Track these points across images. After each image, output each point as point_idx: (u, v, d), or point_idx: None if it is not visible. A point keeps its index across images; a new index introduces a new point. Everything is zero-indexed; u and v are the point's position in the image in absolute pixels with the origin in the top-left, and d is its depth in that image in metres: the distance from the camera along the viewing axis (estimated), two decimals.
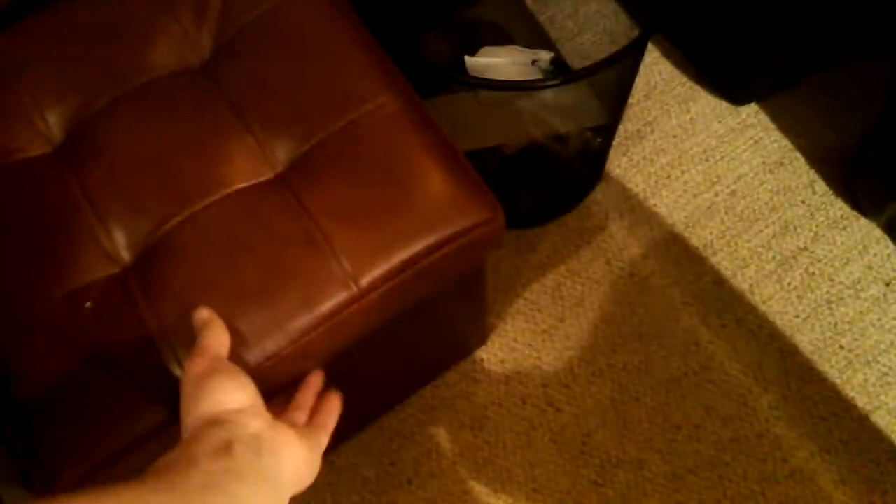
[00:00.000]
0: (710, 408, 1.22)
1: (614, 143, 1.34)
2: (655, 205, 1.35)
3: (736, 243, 1.32)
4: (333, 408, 0.69)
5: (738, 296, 1.29)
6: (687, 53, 1.45)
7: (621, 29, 1.37)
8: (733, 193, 1.36)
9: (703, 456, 1.19)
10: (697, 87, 1.43)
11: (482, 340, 1.24)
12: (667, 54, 1.46)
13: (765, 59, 1.33)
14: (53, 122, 0.84)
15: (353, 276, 0.75)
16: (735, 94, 1.41)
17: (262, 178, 0.80)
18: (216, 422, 0.56)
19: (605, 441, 1.21)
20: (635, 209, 1.34)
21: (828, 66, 1.42)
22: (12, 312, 0.76)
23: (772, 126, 1.40)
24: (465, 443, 1.20)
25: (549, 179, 1.32)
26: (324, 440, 0.65)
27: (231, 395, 0.59)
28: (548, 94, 1.23)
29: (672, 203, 1.35)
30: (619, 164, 1.37)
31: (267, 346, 0.73)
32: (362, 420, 1.19)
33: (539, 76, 1.26)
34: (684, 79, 1.44)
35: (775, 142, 1.39)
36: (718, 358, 1.25)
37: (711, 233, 1.33)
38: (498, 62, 1.25)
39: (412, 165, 0.79)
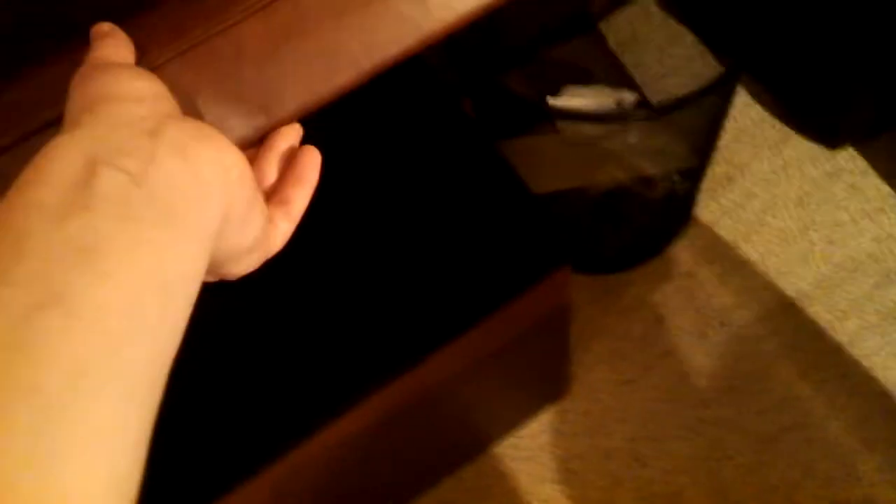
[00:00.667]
0: (809, 468, 1.14)
1: (703, 187, 1.29)
2: (747, 252, 1.29)
3: (834, 293, 1.25)
4: (308, 166, 0.43)
5: (838, 349, 1.21)
6: (777, 96, 1.40)
7: (709, 72, 1.33)
8: (830, 241, 1.29)
9: None
10: (789, 131, 1.38)
11: (564, 391, 1.19)
12: (757, 97, 1.41)
13: (858, 101, 1.27)
14: None
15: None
16: (829, 137, 1.35)
17: None
18: (89, 110, 0.33)
19: (695, 500, 1.13)
20: (726, 256, 1.29)
21: None
22: None
23: (870, 170, 1.34)
24: (547, 497, 1.15)
25: (635, 223, 1.28)
26: (294, 209, 0.41)
27: (127, 83, 0.35)
28: (633, 135, 1.20)
29: (765, 250, 1.29)
30: (708, 208, 1.32)
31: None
32: (440, 472, 1.15)
33: (618, 107, 1.23)
34: (776, 122, 1.39)
35: (875, 187, 1.33)
36: (818, 414, 1.17)
37: (808, 282, 1.26)
38: (582, 102, 1.23)
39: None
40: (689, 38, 1.42)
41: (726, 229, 1.31)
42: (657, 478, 1.15)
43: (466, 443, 1.15)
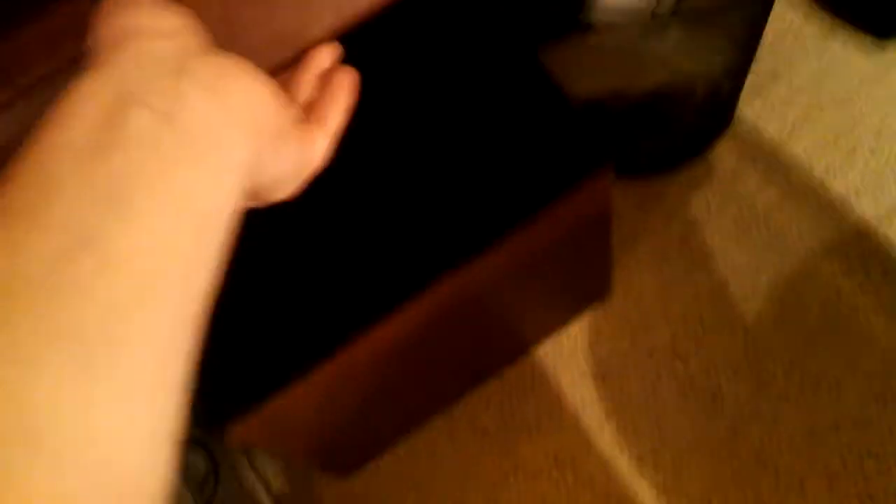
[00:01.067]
0: (853, 362, 1.15)
1: (747, 85, 1.27)
2: (792, 150, 1.27)
3: (881, 192, 1.24)
4: (343, 83, 0.44)
5: (883, 246, 1.20)
6: None
7: None
8: (878, 135, 1.27)
9: (844, 412, 1.13)
10: (837, 24, 1.34)
11: (606, 293, 1.21)
12: None
13: None
14: None
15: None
16: (879, 27, 1.31)
17: None
18: (114, 47, 0.32)
19: (736, 394, 1.16)
20: (769, 155, 1.28)
21: None
22: None
23: None
24: (589, 395, 1.19)
25: (676, 125, 1.27)
26: (329, 125, 0.42)
27: (154, 18, 0.34)
28: (673, 35, 1.18)
29: (811, 148, 1.27)
30: (752, 107, 1.31)
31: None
32: (483, 372, 1.19)
33: (656, 5, 1.20)
34: (824, 14, 1.35)
35: None
36: (863, 311, 1.17)
37: (854, 180, 1.25)
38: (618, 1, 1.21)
39: None
40: None
41: (771, 128, 1.29)
42: (699, 373, 1.18)
43: (510, 344, 1.19)
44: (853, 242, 1.21)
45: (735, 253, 1.23)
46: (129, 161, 0.29)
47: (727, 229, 1.24)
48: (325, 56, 0.45)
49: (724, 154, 1.28)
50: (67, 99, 0.30)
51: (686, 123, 1.27)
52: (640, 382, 1.18)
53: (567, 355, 1.21)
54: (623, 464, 1.15)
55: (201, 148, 0.31)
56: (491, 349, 1.13)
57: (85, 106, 0.30)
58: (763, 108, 1.31)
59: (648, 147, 1.29)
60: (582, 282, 1.15)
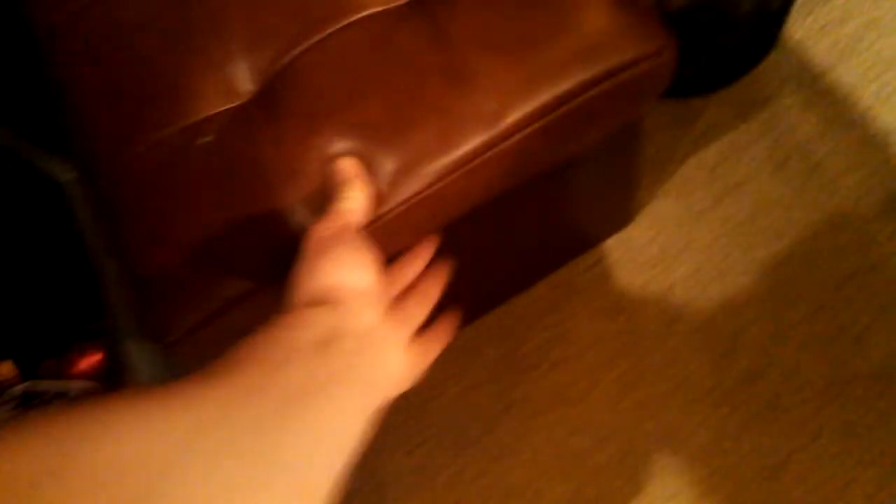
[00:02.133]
0: (884, 312, 1.07)
1: (796, 3, 1.16)
2: (839, 77, 1.17)
3: None
4: (448, 325, 0.61)
5: None
6: None
7: None
8: None
9: (869, 363, 1.05)
10: None
11: (629, 218, 1.12)
12: None
13: None
14: None
15: (496, 113, 0.64)
16: None
17: (398, 1, 0.70)
18: (327, 301, 0.49)
19: (757, 339, 1.08)
20: (815, 81, 1.17)
21: None
22: (124, 145, 0.70)
23: None
24: (601, 330, 1.11)
25: (717, 41, 1.16)
26: (432, 355, 0.57)
27: (352, 274, 0.51)
28: None
29: (860, 76, 1.16)
30: (800, 26, 1.19)
31: (398, 189, 0.64)
32: (490, 299, 1.11)
33: None
34: None
35: None
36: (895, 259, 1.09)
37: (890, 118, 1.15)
38: None
39: None
40: None
41: (819, 51, 1.18)
42: (719, 314, 1.09)
43: (519, 269, 1.10)
44: (891, 184, 1.12)
45: (768, 185, 1.13)
46: (331, 370, 0.45)
47: (762, 159, 1.15)
48: (428, 252, 0.65)
49: (766, 77, 1.18)
50: (297, 315, 0.48)
51: (729, 39, 1.16)
52: (656, 319, 1.10)
53: (581, 287, 1.12)
54: (629, 405, 1.07)
55: (369, 382, 0.48)
56: (500, 274, 1.04)
57: (310, 324, 0.47)
58: (813, 26, 1.19)
59: (686, 65, 1.17)
60: (604, 203, 1.06)
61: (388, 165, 0.64)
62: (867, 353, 1.06)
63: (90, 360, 1.05)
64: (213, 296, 0.67)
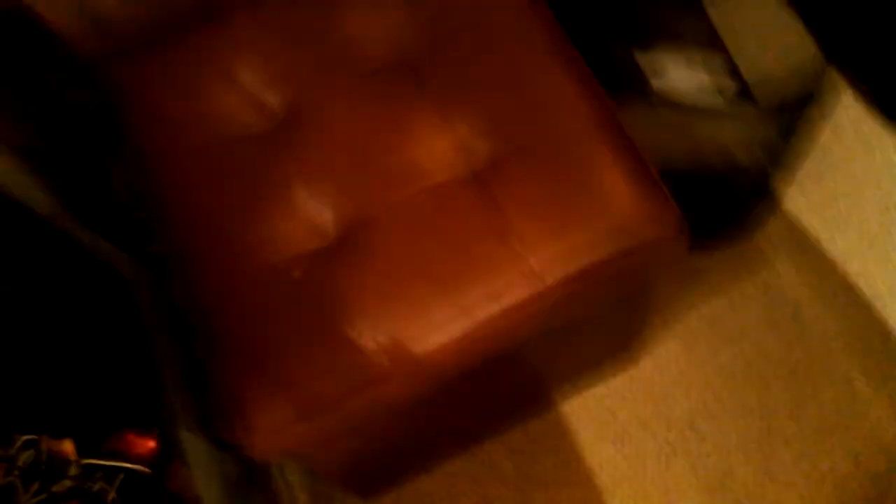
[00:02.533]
0: (862, 461, 1.19)
1: (794, 180, 1.32)
2: (828, 249, 1.32)
3: None
4: None
5: None
6: (877, 97, 1.41)
7: (802, 49, 1.35)
8: None
9: None
10: (885, 133, 1.40)
11: (636, 358, 1.26)
12: (858, 97, 1.43)
13: None
14: (274, 102, 0.92)
15: (539, 275, 0.79)
16: None
17: (460, 175, 0.86)
18: None
19: (746, 478, 1.20)
20: (806, 250, 1.32)
21: None
22: (222, 275, 0.84)
23: None
24: (606, 456, 1.22)
25: (719, 207, 1.32)
26: None
27: None
28: (729, 123, 1.24)
29: (846, 249, 1.32)
30: (795, 202, 1.36)
31: (453, 331, 0.78)
32: (510, 419, 1.23)
33: (719, 95, 1.26)
34: (872, 123, 1.40)
35: None
36: (876, 412, 1.21)
37: (885, 284, 1.29)
38: (679, 76, 1.26)
39: (604, 174, 0.83)
40: (793, 23, 1.43)
41: (810, 224, 1.34)
42: (713, 452, 1.21)
43: (538, 396, 1.23)
44: (876, 346, 1.25)
45: (762, 339, 1.27)
46: None
47: (757, 315, 1.29)
48: None
49: (763, 243, 1.33)
50: None
51: (731, 206, 1.32)
52: (655, 453, 1.22)
53: (590, 416, 1.25)
54: None
55: None
56: (520, 398, 1.17)
57: None
58: (807, 203, 1.36)
59: (691, 224, 1.33)
60: (615, 344, 1.19)
61: (444, 311, 0.78)
62: (846, 499, 1.17)
63: (146, 445, 1.17)
64: (287, 414, 0.80)
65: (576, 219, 0.81)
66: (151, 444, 1.19)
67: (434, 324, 0.78)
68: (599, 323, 1.04)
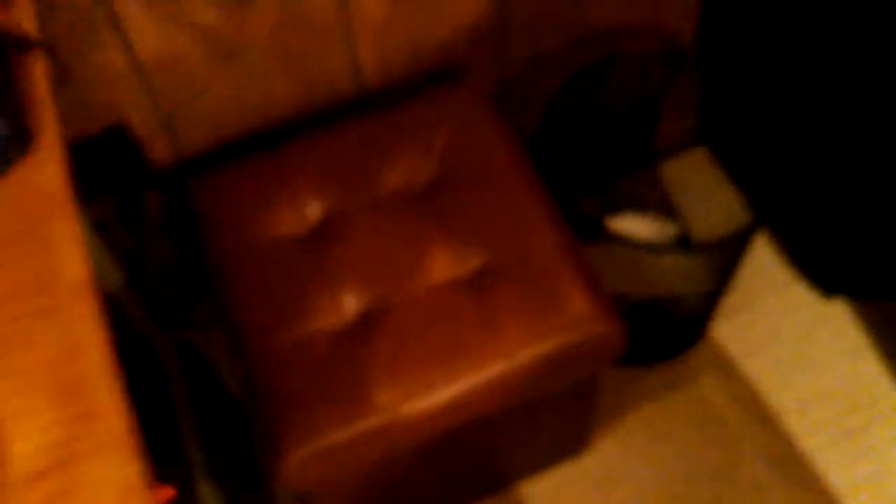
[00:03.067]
0: None
1: (721, 310, 1.60)
2: (746, 368, 1.59)
3: (808, 413, 1.55)
4: None
5: (804, 458, 1.50)
6: (792, 246, 1.73)
7: (738, 217, 1.67)
8: (813, 370, 1.59)
9: None
10: (796, 275, 1.70)
11: (581, 449, 1.49)
12: (775, 244, 1.74)
13: (855, 263, 1.59)
14: (314, 216, 1.19)
15: (513, 354, 1.04)
16: (826, 282, 1.67)
17: (456, 277, 1.12)
18: None
19: None
20: (729, 368, 1.59)
21: None
22: (266, 342, 1.08)
23: (858, 321, 1.65)
24: None
25: (660, 330, 1.59)
26: None
27: None
28: (670, 260, 1.53)
29: (761, 369, 1.59)
30: (721, 328, 1.64)
31: (446, 394, 1.02)
32: (476, 491, 1.44)
33: (665, 239, 1.56)
34: (786, 267, 1.70)
35: (857, 336, 1.63)
36: None
37: (792, 399, 1.56)
38: (634, 227, 1.56)
39: (566, 284, 1.10)
40: (727, 186, 1.76)
41: (732, 348, 1.62)
42: None
43: (482, 481, 1.44)
44: (784, 452, 1.51)
45: (689, 440, 1.52)
46: None
47: (686, 419, 1.54)
48: None
49: (693, 360, 1.60)
50: None
51: (669, 330, 1.60)
52: None
53: (540, 498, 1.47)
54: None
55: None
56: (484, 472, 1.39)
57: None
58: (729, 331, 1.64)
59: (636, 343, 1.60)
60: (564, 434, 1.43)
61: (439, 379, 1.03)
62: None
63: (165, 495, 1.37)
64: (311, 451, 1.02)
65: (544, 315, 1.07)
66: (170, 493, 1.39)
67: (430, 388, 1.03)
68: (554, 408, 1.29)
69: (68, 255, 0.66)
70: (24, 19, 0.79)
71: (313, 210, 1.19)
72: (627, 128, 1.71)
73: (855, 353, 1.61)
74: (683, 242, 1.61)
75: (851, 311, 1.66)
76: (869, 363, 1.61)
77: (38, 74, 0.76)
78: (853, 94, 1.38)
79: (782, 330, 1.64)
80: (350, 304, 1.11)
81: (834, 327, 1.64)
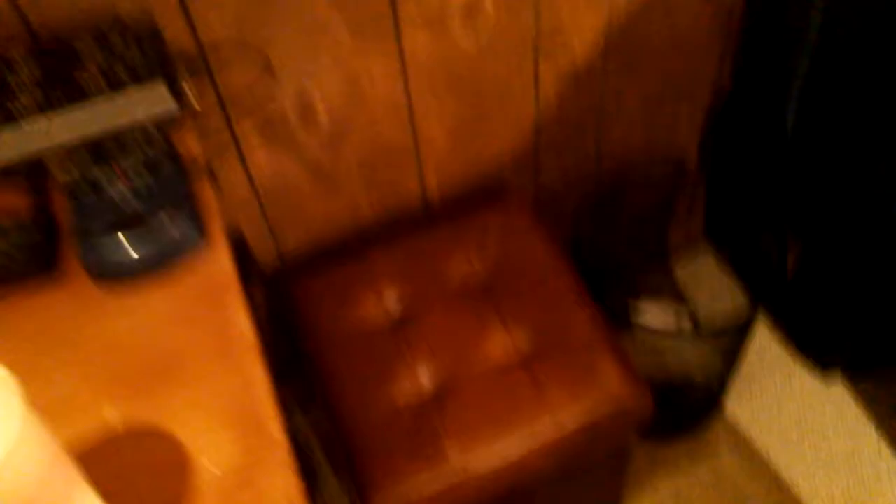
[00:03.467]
0: None
1: (731, 388, 1.83)
2: (757, 441, 1.81)
3: (816, 482, 1.75)
4: None
5: None
6: (793, 335, 1.96)
7: (742, 308, 1.91)
8: (817, 441, 1.81)
9: None
10: (793, 354, 1.92)
11: None
12: (778, 331, 1.97)
13: (849, 349, 1.82)
14: (395, 309, 1.44)
15: (563, 424, 1.27)
16: (820, 361, 1.89)
17: (512, 360, 1.36)
18: None
19: None
20: (741, 441, 1.81)
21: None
22: (357, 414, 1.32)
23: (858, 401, 1.86)
24: None
25: (678, 407, 1.82)
26: None
27: None
28: (685, 345, 1.76)
29: (769, 441, 1.81)
30: (732, 404, 1.86)
31: (507, 456, 1.25)
32: None
33: (680, 329, 1.79)
34: (789, 352, 1.93)
35: (857, 415, 1.85)
36: None
37: (802, 477, 1.76)
38: (652, 317, 1.81)
39: (605, 364, 1.33)
40: (730, 277, 2.01)
41: (744, 422, 1.84)
42: None
43: None
44: None
45: None
46: None
47: (707, 490, 1.75)
48: None
49: (711, 436, 1.82)
50: None
51: (688, 409, 1.82)
52: None
53: None
54: None
55: None
56: None
57: None
58: (740, 405, 1.86)
59: (655, 422, 1.82)
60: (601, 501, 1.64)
61: (501, 444, 1.26)
62: None
63: None
64: (396, 497, 1.24)
65: (585, 389, 1.30)
66: None
67: (493, 452, 1.25)
68: (593, 475, 1.50)
69: (241, 320, 0.91)
70: (190, 140, 1.05)
71: (392, 304, 1.44)
72: (643, 231, 1.98)
73: (855, 426, 1.83)
74: (695, 327, 1.84)
75: (848, 385, 1.89)
76: (868, 435, 1.82)
77: (205, 184, 1.01)
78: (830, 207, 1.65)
79: (786, 405, 1.86)
80: (425, 380, 1.35)
81: (833, 401, 1.86)
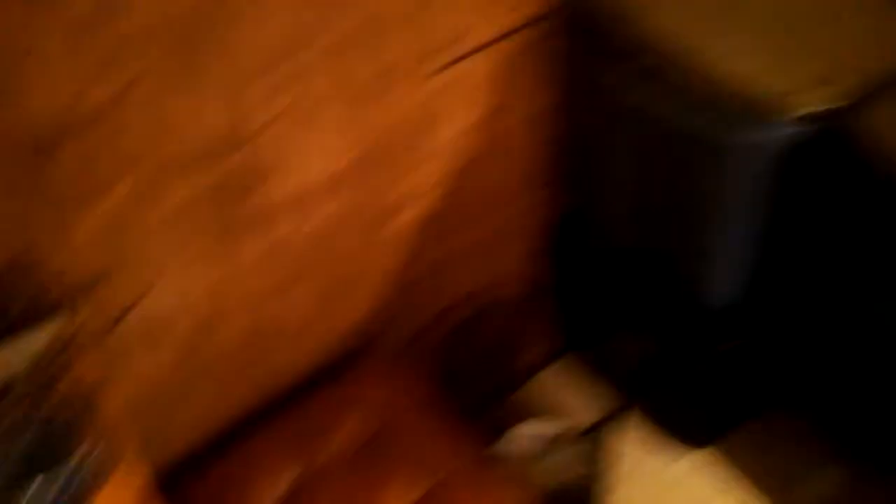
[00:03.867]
0: None
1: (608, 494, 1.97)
2: None
3: None
4: None
5: None
6: (665, 427, 2.12)
7: (609, 401, 2.08)
8: None
9: None
10: (664, 439, 2.08)
11: None
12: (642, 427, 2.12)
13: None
14: (282, 482, 1.49)
15: None
16: (685, 437, 2.06)
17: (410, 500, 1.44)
18: None
19: None
20: None
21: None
22: None
23: (729, 471, 2.02)
24: None
25: None
26: None
27: None
28: (568, 450, 1.89)
29: None
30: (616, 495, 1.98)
31: None
32: None
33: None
34: (655, 433, 2.09)
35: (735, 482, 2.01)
36: None
37: None
38: (536, 429, 1.93)
39: (489, 489, 1.43)
40: (595, 383, 2.17)
41: None
42: None
43: None
44: None
45: None
46: None
47: None
48: None
49: None
50: None
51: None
52: None
53: None
54: None
55: None
56: None
57: None
58: (622, 494, 1.99)
59: None
60: None
61: None
62: None
63: None
64: None
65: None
66: None
67: None
68: None
69: None
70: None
71: (283, 479, 1.50)
72: (502, 355, 2.12)
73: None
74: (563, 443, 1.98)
75: (716, 459, 2.05)
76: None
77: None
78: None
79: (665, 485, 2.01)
80: None
81: (704, 474, 2.02)
